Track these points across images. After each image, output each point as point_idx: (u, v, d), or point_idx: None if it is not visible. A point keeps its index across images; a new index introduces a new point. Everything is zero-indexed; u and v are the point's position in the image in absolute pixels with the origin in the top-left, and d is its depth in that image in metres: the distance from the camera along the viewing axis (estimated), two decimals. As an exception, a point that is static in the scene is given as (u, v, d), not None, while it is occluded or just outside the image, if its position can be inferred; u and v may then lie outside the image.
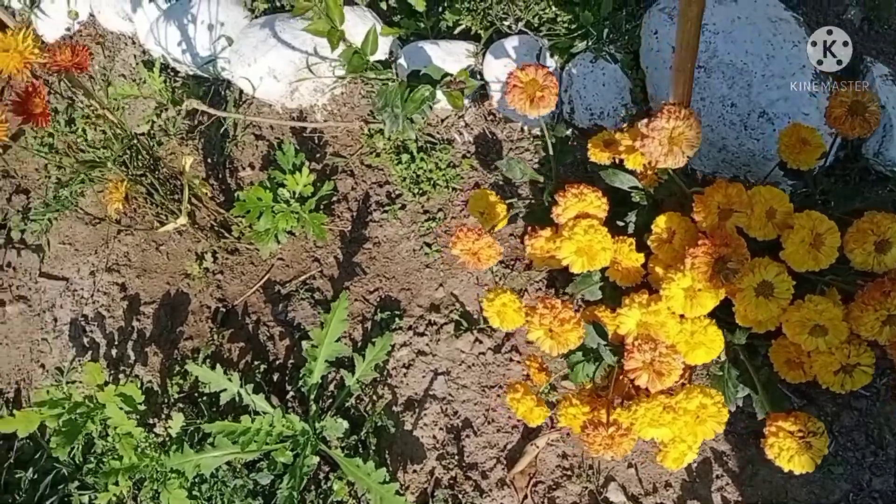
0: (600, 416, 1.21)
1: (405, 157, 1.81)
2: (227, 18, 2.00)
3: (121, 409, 1.57)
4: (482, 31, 1.86)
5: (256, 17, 2.03)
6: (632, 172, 1.29)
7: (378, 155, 1.85)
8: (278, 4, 2.05)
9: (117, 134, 1.50)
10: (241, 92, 1.98)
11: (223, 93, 2.02)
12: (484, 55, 1.80)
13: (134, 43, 2.16)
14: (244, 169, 1.93)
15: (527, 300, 1.61)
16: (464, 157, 1.80)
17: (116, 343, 1.81)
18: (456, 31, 1.88)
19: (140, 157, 1.56)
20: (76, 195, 1.99)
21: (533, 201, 1.41)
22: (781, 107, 1.54)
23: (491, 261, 1.29)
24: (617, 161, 1.33)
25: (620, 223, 1.27)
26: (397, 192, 1.81)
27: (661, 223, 1.20)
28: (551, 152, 1.35)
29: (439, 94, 1.58)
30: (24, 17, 2.31)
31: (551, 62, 1.77)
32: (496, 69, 1.77)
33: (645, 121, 1.12)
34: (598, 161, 1.35)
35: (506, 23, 1.81)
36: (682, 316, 1.17)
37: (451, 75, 1.40)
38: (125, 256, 1.89)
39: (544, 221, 1.30)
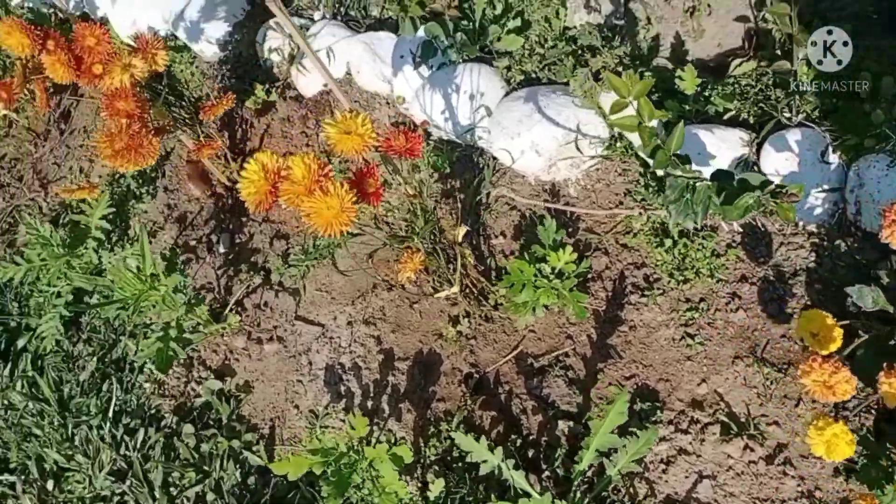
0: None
1: (667, 241, 1.67)
2: (487, 88, 1.93)
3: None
4: (752, 117, 1.70)
5: (513, 88, 1.95)
6: None
7: (635, 235, 1.73)
8: (533, 76, 1.96)
9: (416, 209, 1.44)
10: (496, 160, 1.90)
11: (476, 159, 1.95)
12: (760, 145, 1.65)
13: (388, 104, 2.13)
14: (496, 237, 1.84)
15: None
16: (729, 246, 1.64)
17: (371, 395, 1.76)
18: (725, 117, 1.74)
19: (434, 231, 1.50)
20: (333, 247, 1.96)
21: (876, 331, 1.25)
22: None
23: (845, 395, 1.13)
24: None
25: None
26: (655, 276, 1.68)
27: None
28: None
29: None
30: (281, 69, 2.33)
31: (834, 158, 1.59)
32: (776, 162, 1.60)
33: None
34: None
35: (785, 114, 1.65)
36: None
37: (779, 185, 1.25)
38: (381, 311, 1.84)
39: (893, 357, 1.13)
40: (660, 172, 1.71)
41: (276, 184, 1.21)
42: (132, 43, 1.84)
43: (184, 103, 2.26)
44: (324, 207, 1.17)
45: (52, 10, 2.68)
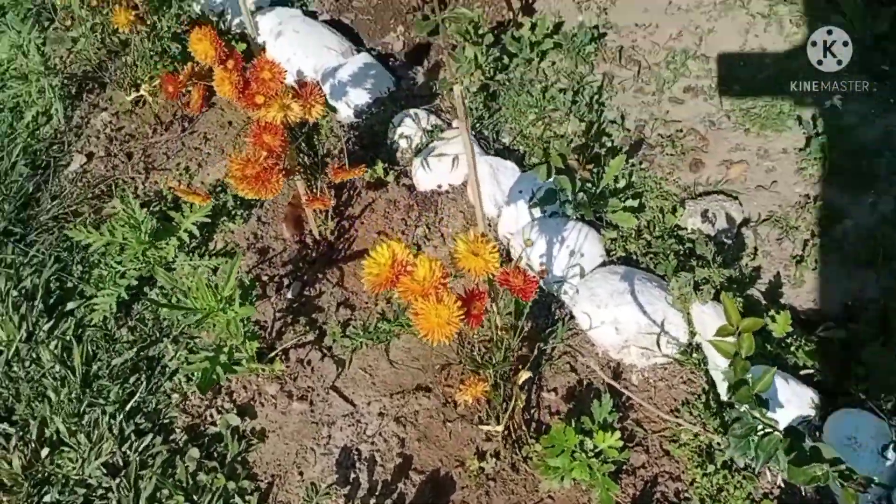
0: None
1: (710, 466, 1.69)
2: (588, 251, 2.02)
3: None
4: (828, 383, 1.75)
5: (612, 261, 2.04)
6: None
7: (679, 446, 1.75)
8: (633, 258, 2.05)
9: (499, 343, 1.50)
10: (572, 318, 1.96)
11: (553, 310, 2.01)
12: (825, 415, 1.69)
13: (489, 226, 2.23)
14: (548, 392, 1.87)
15: None
16: (765, 495, 1.65)
17: (377, 494, 1.76)
18: (801, 372, 1.79)
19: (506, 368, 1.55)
20: (392, 336, 2.01)
21: None
22: None
23: None
24: None
25: None
26: (686, 496, 1.68)
27: None
28: None
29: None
30: (404, 156, 2.46)
31: (893, 456, 1.62)
32: (838, 436, 1.62)
33: None
34: None
35: (861, 395, 1.69)
36: None
37: (850, 469, 1.29)
38: (414, 415, 1.86)
39: None
40: (724, 396, 1.76)
41: (399, 274, 1.28)
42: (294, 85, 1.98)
43: (311, 152, 2.39)
44: (433, 314, 1.24)
45: (216, 19, 2.88)
